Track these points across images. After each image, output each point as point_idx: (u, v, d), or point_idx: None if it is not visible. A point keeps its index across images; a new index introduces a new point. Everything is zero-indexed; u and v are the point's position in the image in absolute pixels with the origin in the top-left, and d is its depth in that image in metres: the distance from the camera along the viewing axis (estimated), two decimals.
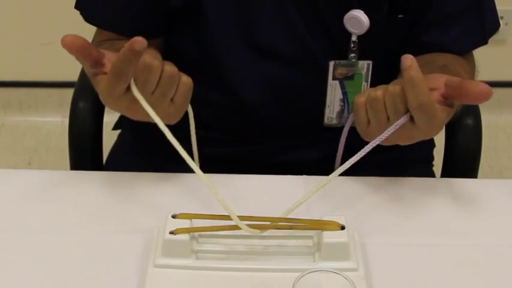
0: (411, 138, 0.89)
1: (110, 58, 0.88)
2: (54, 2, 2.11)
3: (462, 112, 1.09)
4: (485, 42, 1.10)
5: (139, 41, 0.82)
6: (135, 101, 0.87)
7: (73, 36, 0.84)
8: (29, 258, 0.87)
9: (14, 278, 0.85)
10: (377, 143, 0.87)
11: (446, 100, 0.87)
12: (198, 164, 1.02)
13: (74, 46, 0.84)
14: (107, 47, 1.03)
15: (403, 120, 0.87)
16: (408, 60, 0.85)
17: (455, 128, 1.19)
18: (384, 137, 0.87)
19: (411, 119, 0.87)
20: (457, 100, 0.87)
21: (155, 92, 0.88)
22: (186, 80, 0.90)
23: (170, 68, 0.88)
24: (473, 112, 1.20)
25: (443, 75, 0.90)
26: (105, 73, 0.87)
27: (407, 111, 0.87)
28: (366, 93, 0.90)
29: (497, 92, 2.48)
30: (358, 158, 0.87)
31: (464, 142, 1.21)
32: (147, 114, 0.87)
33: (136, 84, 0.87)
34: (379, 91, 0.89)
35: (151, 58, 0.87)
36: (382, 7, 1.03)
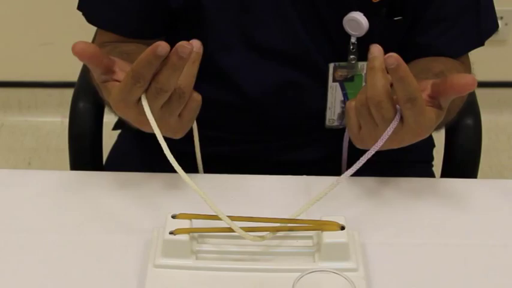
0: (401, 141, 0.88)
1: (120, 66, 0.87)
2: (54, 2, 2.11)
3: (462, 112, 1.09)
4: (481, 44, 1.10)
5: (162, 46, 0.80)
6: (144, 114, 0.85)
7: (84, 43, 0.82)
8: (29, 258, 0.87)
9: (14, 278, 0.85)
10: (373, 152, 0.86)
11: (434, 100, 0.86)
12: (202, 169, 1.02)
13: (84, 54, 0.82)
14: (109, 50, 1.03)
15: (394, 124, 0.85)
16: (392, 58, 0.82)
17: (455, 128, 1.19)
18: (379, 146, 0.85)
19: (400, 120, 0.85)
20: (443, 96, 0.85)
21: (163, 107, 0.86)
22: (196, 96, 0.88)
23: (183, 86, 0.86)
24: (473, 112, 1.20)
25: (431, 79, 0.89)
26: (116, 80, 0.86)
27: (394, 114, 0.85)
28: (357, 97, 0.89)
29: (497, 92, 2.50)
30: (359, 165, 0.86)
31: (464, 142, 1.21)
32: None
33: (147, 97, 0.85)
34: (363, 95, 0.86)
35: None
36: (381, 9, 1.03)
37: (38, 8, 2.15)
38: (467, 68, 1.10)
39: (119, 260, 0.87)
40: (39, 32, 2.19)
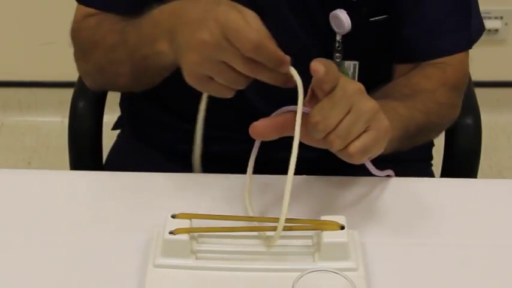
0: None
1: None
2: (54, 2, 2.11)
3: (462, 112, 1.09)
4: (469, 47, 1.08)
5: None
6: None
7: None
8: (29, 258, 0.87)
9: (14, 277, 0.85)
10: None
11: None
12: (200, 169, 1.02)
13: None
14: (100, 19, 1.03)
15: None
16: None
17: (455, 128, 1.19)
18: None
19: None
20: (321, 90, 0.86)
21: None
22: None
23: None
24: (473, 112, 1.20)
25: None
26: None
27: None
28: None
29: (497, 92, 2.50)
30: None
31: (464, 142, 1.20)
32: None
33: None
34: None
35: None
36: (361, 9, 1.03)
37: (38, 8, 2.15)
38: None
39: (119, 260, 0.87)
40: (39, 32, 2.19)
